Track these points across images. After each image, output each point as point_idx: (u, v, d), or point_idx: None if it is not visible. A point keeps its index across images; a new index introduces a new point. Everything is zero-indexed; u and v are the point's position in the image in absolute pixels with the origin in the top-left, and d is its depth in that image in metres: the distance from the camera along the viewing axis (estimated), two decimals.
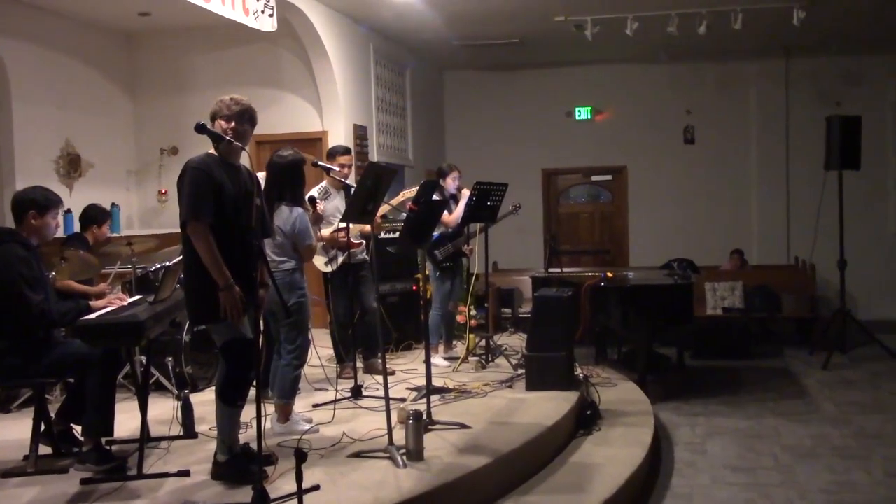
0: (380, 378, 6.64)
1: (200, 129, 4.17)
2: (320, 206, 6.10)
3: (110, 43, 10.41)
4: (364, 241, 7.32)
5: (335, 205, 6.94)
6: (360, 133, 10.49)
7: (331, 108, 10.08)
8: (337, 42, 10.02)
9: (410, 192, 7.26)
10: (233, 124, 4.46)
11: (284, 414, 5.52)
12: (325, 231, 6.69)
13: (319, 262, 7.00)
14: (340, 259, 6.95)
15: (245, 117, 4.51)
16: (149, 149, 10.64)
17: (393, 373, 7.24)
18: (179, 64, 10.61)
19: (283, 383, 5.48)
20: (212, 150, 4.46)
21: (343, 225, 6.39)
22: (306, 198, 5.76)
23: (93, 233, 7.02)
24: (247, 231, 4.35)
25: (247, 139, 4.55)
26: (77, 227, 7.28)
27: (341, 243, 6.67)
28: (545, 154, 14.33)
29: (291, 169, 5.54)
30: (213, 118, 4.50)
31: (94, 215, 7.09)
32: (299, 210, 5.46)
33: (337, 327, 7.19)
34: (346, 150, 7.30)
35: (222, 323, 4.37)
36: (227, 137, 4.31)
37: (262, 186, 5.21)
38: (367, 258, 7.43)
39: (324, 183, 7.15)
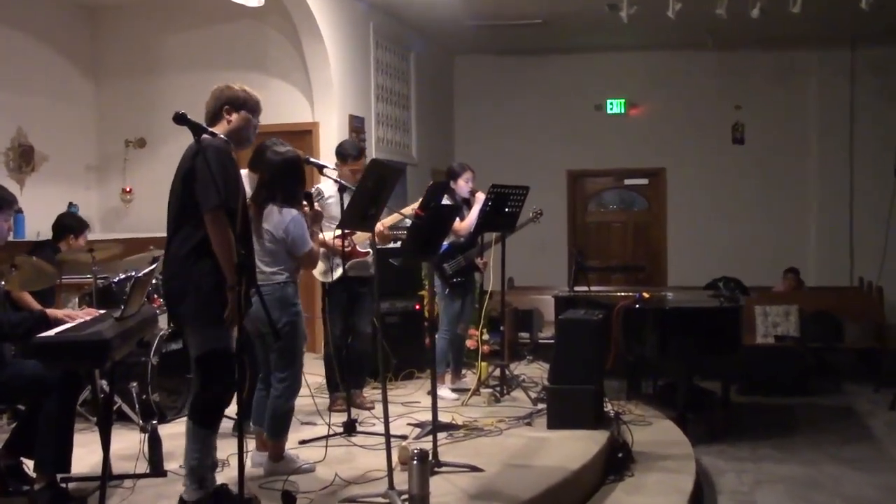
0: (378, 412, 6.66)
1: (179, 119, 4.19)
2: (318, 204, 6.08)
3: (69, 17, 10.48)
4: (371, 251, 7.31)
5: (332, 207, 6.95)
6: (357, 125, 10.53)
7: (323, 95, 10.14)
8: (331, 20, 10.08)
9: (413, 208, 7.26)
10: (255, 120, 4.71)
11: (277, 452, 5.54)
12: (328, 235, 6.65)
13: (317, 270, 7.02)
14: (340, 270, 6.97)
15: (254, 106, 4.78)
16: (112, 140, 10.69)
17: (372, 406, 7.23)
18: (149, 43, 10.67)
19: (274, 418, 5.48)
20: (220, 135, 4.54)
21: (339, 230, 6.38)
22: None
23: (68, 243, 7.07)
24: (243, 233, 4.40)
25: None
26: (27, 229, 7.31)
27: (342, 252, 6.69)
28: (571, 153, 14.38)
29: (289, 168, 5.53)
30: (234, 105, 4.59)
31: (72, 225, 7.14)
32: (293, 212, 5.44)
33: (333, 350, 7.19)
34: (360, 152, 7.23)
35: (218, 328, 4.40)
36: (212, 129, 4.33)
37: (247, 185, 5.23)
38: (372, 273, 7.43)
39: (323, 184, 7.17)
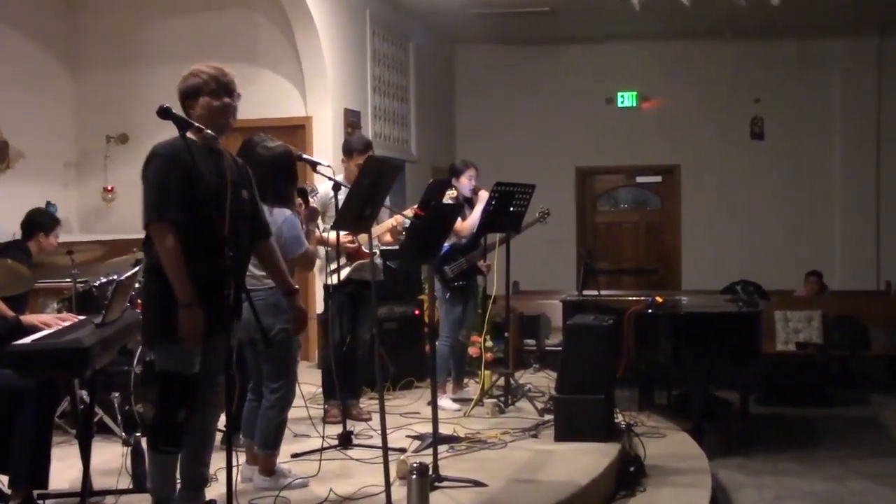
0: (375, 423, 6.66)
1: (164, 113, 4.19)
2: (314, 200, 6.06)
3: (46, 5, 10.48)
4: (377, 252, 7.30)
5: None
6: (353, 119, 10.54)
7: (317, 88, 10.15)
8: (325, 7, 10.10)
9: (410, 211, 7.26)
10: (225, 100, 4.50)
11: (268, 467, 5.54)
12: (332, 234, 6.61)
13: (319, 270, 7.01)
14: (346, 271, 6.97)
15: (224, 87, 4.54)
16: (92, 136, 10.69)
17: (369, 418, 7.23)
18: (131, 32, 10.67)
19: (266, 430, 5.48)
20: (189, 134, 4.46)
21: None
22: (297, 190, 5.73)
23: (38, 242, 7.07)
24: (235, 233, 4.35)
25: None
26: (2, 231, 7.31)
27: (351, 250, 6.69)
28: (580, 149, 14.39)
29: (280, 164, 5.53)
30: (195, 94, 4.52)
31: (42, 222, 7.14)
32: (286, 212, 5.44)
33: (335, 355, 7.17)
34: (367, 146, 7.26)
35: (172, 348, 4.38)
36: (197, 125, 4.33)
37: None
38: (381, 277, 7.43)
39: (340, 177, 7.16)
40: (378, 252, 7.32)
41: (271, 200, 5.44)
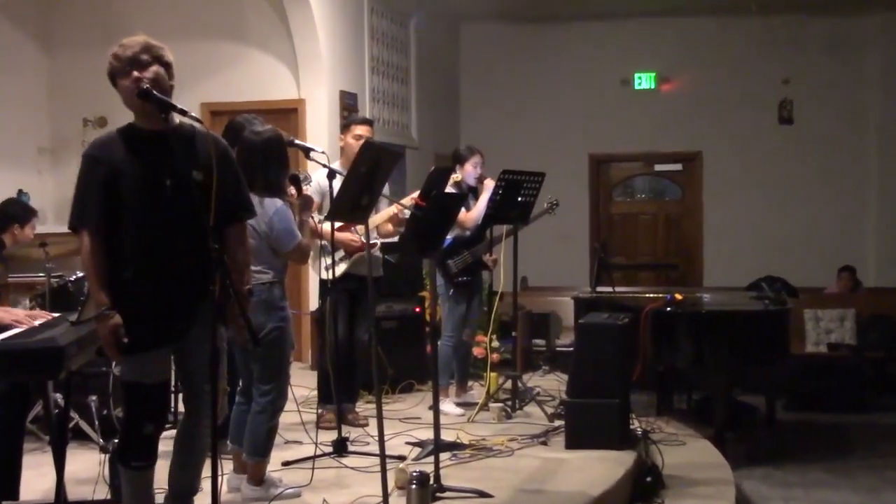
0: (373, 429, 6.66)
1: (145, 94, 4.19)
2: (308, 188, 6.04)
3: None
4: (378, 243, 7.31)
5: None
6: (349, 103, 10.54)
7: (310, 69, 10.14)
8: None
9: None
10: (134, 74, 4.27)
11: (257, 475, 5.54)
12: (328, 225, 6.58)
13: (315, 265, 7.01)
14: (345, 265, 6.98)
15: (127, 62, 4.29)
16: (68, 119, 10.68)
17: (366, 423, 7.23)
18: (110, 7, 10.66)
19: (255, 436, 5.48)
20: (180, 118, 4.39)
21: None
22: (288, 177, 5.72)
23: (13, 235, 7.07)
24: (187, 225, 4.32)
25: (129, 97, 4.33)
26: None
27: (354, 246, 6.69)
28: (594, 135, 14.38)
29: (270, 149, 5.51)
30: (113, 81, 4.39)
31: (16, 214, 7.14)
32: (277, 203, 5.43)
33: (330, 356, 7.17)
34: (366, 120, 7.40)
35: (124, 356, 4.35)
36: (180, 107, 4.31)
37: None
38: (381, 273, 7.44)
39: (336, 164, 7.16)
40: (378, 245, 7.31)
41: (261, 189, 5.43)
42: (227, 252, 4.34)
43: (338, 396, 6.84)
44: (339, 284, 7.05)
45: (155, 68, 4.29)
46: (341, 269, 7.04)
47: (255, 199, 5.39)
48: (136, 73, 4.25)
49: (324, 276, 7.08)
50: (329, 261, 6.79)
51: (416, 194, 7.28)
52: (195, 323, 4.37)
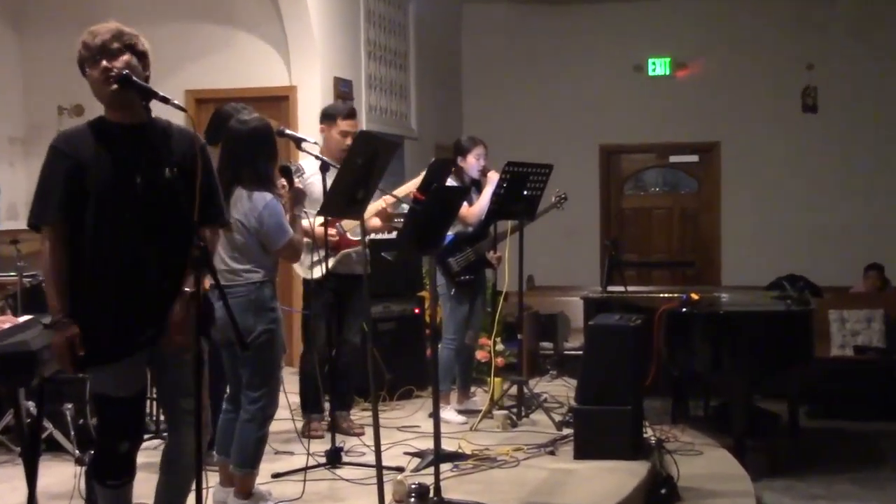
0: (369, 438, 6.65)
1: (124, 82, 4.16)
2: (299, 180, 6.02)
3: None
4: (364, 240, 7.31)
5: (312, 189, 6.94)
6: (344, 90, 10.52)
7: (302, 53, 10.12)
8: None
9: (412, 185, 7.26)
10: (102, 63, 4.21)
11: (245, 488, 5.52)
12: (310, 222, 6.57)
13: (302, 264, 7.00)
14: (330, 263, 6.96)
15: (97, 51, 4.23)
16: (42, 107, 10.67)
17: (362, 432, 7.21)
18: None
19: (243, 446, 5.46)
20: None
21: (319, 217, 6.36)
22: (278, 168, 5.70)
23: None
24: (150, 230, 4.23)
25: (100, 90, 4.27)
26: None
27: (332, 242, 6.68)
28: (604, 124, 14.37)
29: (258, 139, 5.49)
30: (83, 70, 4.32)
31: None
32: (266, 196, 5.40)
33: (313, 361, 7.16)
34: (351, 112, 7.27)
35: (94, 368, 4.32)
36: (162, 94, 4.28)
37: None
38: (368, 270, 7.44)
39: (302, 161, 7.15)
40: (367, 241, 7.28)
41: (249, 182, 5.42)
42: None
43: (321, 404, 6.85)
44: (324, 284, 7.03)
45: (126, 58, 4.22)
46: (324, 267, 7.01)
47: (243, 193, 5.40)
48: (104, 63, 4.19)
49: (306, 275, 7.07)
50: (311, 259, 6.78)
51: (410, 184, 7.29)
52: (166, 331, 4.28)
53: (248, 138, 5.47)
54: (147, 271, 4.23)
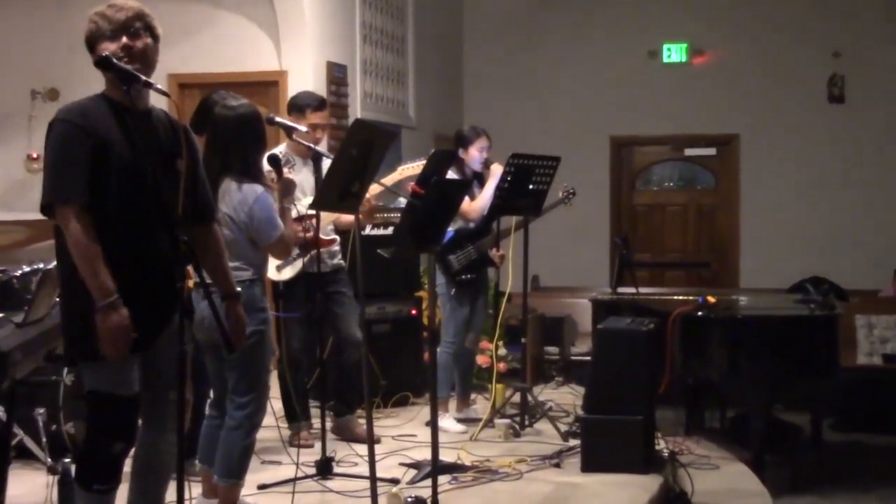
0: (360, 447, 6.65)
1: (104, 63, 4.17)
2: (288, 171, 6.02)
3: None
4: (338, 239, 7.32)
5: (299, 182, 6.94)
6: (337, 76, 10.52)
7: (293, 36, 10.13)
8: None
9: (413, 168, 7.28)
10: (123, 40, 4.31)
11: (230, 500, 5.52)
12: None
13: (270, 266, 7.00)
14: (300, 263, 6.95)
15: (118, 27, 4.32)
16: (13, 90, 10.68)
17: (378, 440, 7.24)
18: None
19: (228, 455, 5.45)
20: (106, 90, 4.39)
21: (306, 212, 6.36)
22: (266, 158, 5.70)
23: None
24: (162, 217, 4.30)
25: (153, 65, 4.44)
26: None
27: (305, 239, 6.68)
28: (616, 115, 14.36)
29: (246, 127, 5.49)
30: (92, 43, 4.40)
31: None
32: (257, 188, 5.40)
33: (288, 368, 7.17)
34: (321, 103, 7.30)
35: (96, 364, 4.33)
36: (144, 78, 4.29)
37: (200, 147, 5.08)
38: (343, 264, 7.43)
39: (282, 147, 7.16)
40: (338, 240, 7.29)
41: (237, 173, 5.41)
42: (206, 257, 4.59)
43: (306, 411, 6.85)
44: (297, 286, 7.03)
45: (148, 40, 4.35)
46: (296, 267, 7.00)
47: (231, 184, 5.40)
48: (125, 40, 4.28)
49: (274, 276, 7.03)
50: (290, 258, 6.79)
51: (401, 169, 7.31)
52: (168, 325, 4.39)
53: (235, 125, 5.45)
54: (157, 266, 4.30)
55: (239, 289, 4.96)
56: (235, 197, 5.38)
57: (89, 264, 4.19)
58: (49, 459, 6.59)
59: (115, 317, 4.18)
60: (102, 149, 4.24)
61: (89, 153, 4.22)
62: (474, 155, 7.94)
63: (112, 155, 4.25)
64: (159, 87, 4.28)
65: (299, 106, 7.23)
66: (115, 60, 4.15)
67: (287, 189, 5.69)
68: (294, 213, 5.91)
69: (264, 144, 5.63)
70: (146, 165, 4.29)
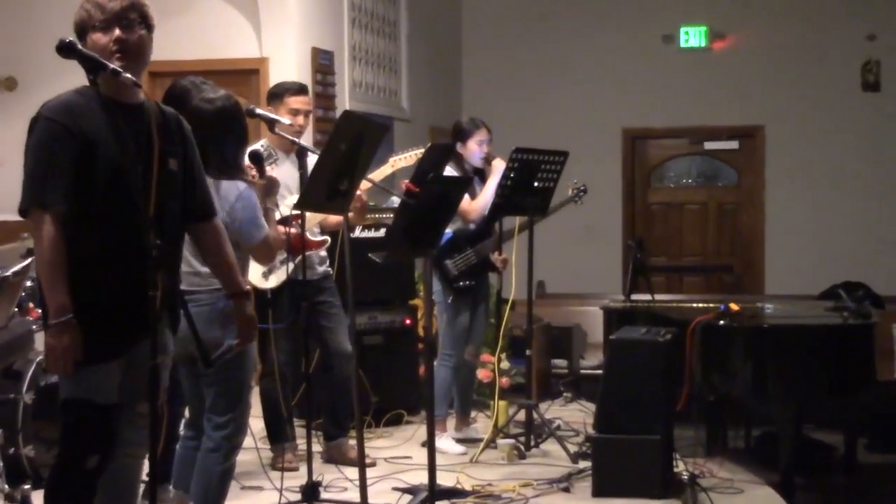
0: (350, 470, 6.65)
1: (67, 49, 4.17)
2: (271, 168, 6.02)
3: None
4: (328, 240, 7.31)
5: (282, 179, 6.94)
6: (324, 63, 10.53)
7: (275, 20, 10.15)
8: None
9: (407, 160, 7.29)
10: (116, 33, 4.36)
11: None
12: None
13: (255, 273, 7.01)
14: (287, 269, 6.95)
15: (113, 17, 4.37)
16: None
17: (373, 463, 7.25)
18: None
19: (206, 480, 5.44)
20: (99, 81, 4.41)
21: (290, 212, 6.36)
22: (247, 154, 5.71)
23: None
24: (156, 219, 4.30)
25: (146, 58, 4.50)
26: None
27: (291, 242, 6.68)
28: (628, 105, 14.38)
29: (228, 120, 5.50)
30: (82, 32, 4.47)
31: None
32: (240, 186, 5.39)
33: (274, 383, 7.16)
34: (301, 89, 7.34)
35: (81, 366, 4.32)
36: (112, 66, 4.30)
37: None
38: (331, 271, 7.44)
39: (263, 142, 7.17)
40: (328, 243, 7.30)
41: (217, 170, 5.40)
42: (210, 254, 4.80)
43: (291, 430, 6.85)
44: (285, 293, 7.04)
45: (142, 32, 4.41)
46: (281, 274, 7.00)
47: (209, 182, 5.37)
48: (119, 33, 4.33)
49: (260, 284, 7.02)
50: (273, 264, 6.79)
51: (393, 160, 7.32)
52: (155, 329, 4.37)
53: (214, 119, 5.44)
54: (157, 264, 4.27)
55: (247, 287, 5.01)
56: (214, 196, 5.36)
57: (50, 276, 4.24)
58: (6, 486, 6.59)
59: (65, 338, 4.23)
60: (88, 150, 4.27)
61: (74, 156, 4.25)
62: (474, 149, 7.95)
63: (98, 156, 4.29)
64: (128, 75, 4.28)
65: (277, 93, 7.29)
66: (78, 46, 4.15)
67: (270, 188, 5.68)
68: (276, 215, 5.91)
69: (246, 140, 5.64)
70: (135, 166, 4.32)
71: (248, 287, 4.99)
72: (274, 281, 7.07)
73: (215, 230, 4.84)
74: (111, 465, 4.58)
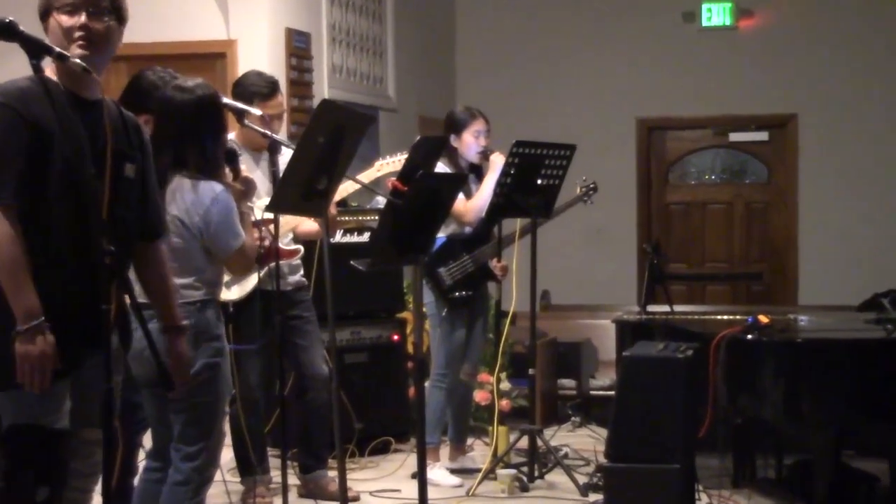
0: None
1: (7, 32, 4.15)
2: (245, 167, 6.03)
3: None
4: (301, 249, 7.32)
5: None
6: (299, 46, 10.54)
7: None
8: None
9: (395, 164, 7.29)
10: (82, 18, 4.38)
11: None
12: None
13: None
14: (253, 279, 6.96)
15: (103, 7, 4.43)
16: None
17: (357, 498, 7.25)
18: None
19: None
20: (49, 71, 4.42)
21: (264, 215, 6.37)
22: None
23: None
24: (109, 223, 4.31)
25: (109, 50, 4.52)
26: None
27: (262, 249, 6.68)
28: (645, 92, 14.40)
29: (206, 113, 5.49)
30: (45, 12, 4.46)
31: None
32: (216, 187, 5.39)
33: (242, 410, 7.18)
34: (273, 89, 7.32)
35: (14, 391, 4.34)
36: (60, 50, 4.29)
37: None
38: (306, 282, 7.45)
39: (231, 136, 7.18)
40: (301, 251, 7.32)
41: (196, 168, 5.40)
42: (148, 280, 4.80)
43: (264, 462, 6.88)
44: (252, 308, 7.03)
45: (112, 23, 4.43)
46: (247, 285, 7.00)
47: (184, 182, 5.40)
48: (83, 19, 4.35)
49: (224, 296, 7.01)
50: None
51: (379, 164, 7.33)
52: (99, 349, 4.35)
53: (195, 111, 5.44)
54: (111, 272, 4.27)
55: (186, 318, 4.98)
56: (188, 197, 5.36)
57: (13, 277, 4.24)
58: None
59: (39, 343, 4.22)
60: (41, 142, 4.28)
61: (26, 145, 4.27)
62: (469, 142, 7.96)
63: (53, 151, 4.30)
64: (77, 60, 4.28)
65: (246, 94, 7.22)
66: (19, 27, 4.14)
67: (247, 189, 5.69)
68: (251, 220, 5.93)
69: (226, 133, 5.65)
70: (89, 167, 4.30)
71: (186, 323, 4.95)
72: (237, 292, 7.06)
73: (160, 253, 4.86)
74: (62, 497, 4.59)
